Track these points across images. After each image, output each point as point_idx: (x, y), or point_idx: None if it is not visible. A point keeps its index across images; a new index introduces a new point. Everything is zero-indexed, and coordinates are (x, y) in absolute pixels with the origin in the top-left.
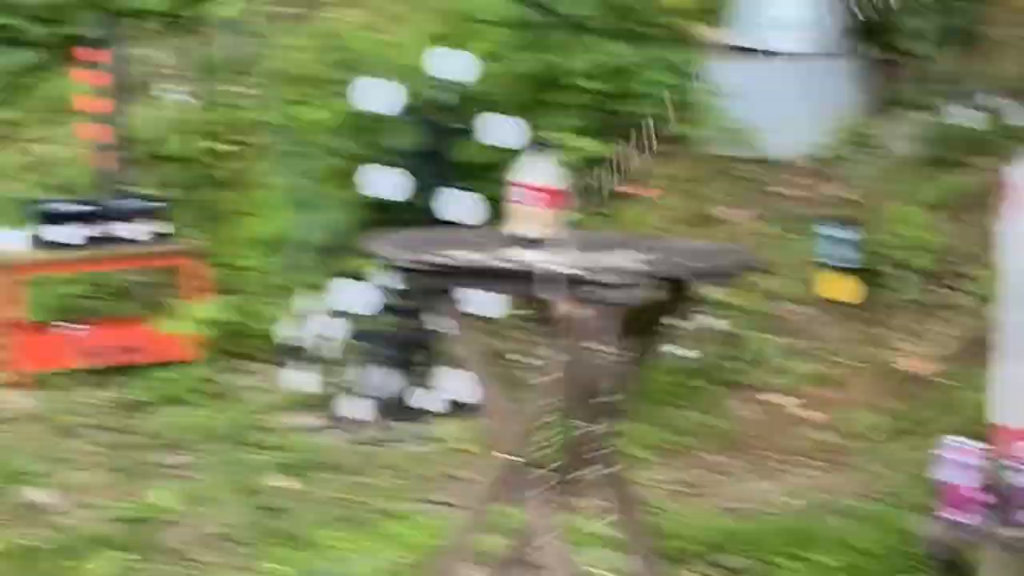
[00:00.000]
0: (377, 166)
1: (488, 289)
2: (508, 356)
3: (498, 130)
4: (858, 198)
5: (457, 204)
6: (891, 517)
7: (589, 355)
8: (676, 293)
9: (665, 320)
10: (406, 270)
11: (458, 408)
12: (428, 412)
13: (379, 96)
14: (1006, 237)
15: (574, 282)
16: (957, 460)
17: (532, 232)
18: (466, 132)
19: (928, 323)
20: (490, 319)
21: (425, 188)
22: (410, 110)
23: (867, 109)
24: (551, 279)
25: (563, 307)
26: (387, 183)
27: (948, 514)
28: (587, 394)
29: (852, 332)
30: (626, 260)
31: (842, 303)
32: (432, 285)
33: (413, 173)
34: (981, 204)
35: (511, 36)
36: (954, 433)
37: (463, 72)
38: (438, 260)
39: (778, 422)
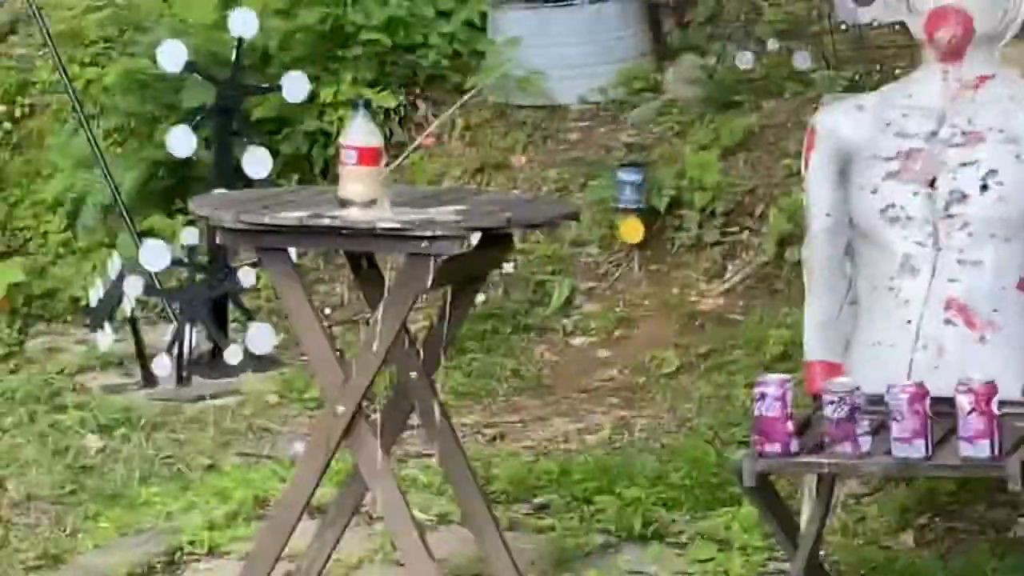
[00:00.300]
0: (167, 125)
1: (313, 247)
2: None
3: (288, 85)
4: (646, 142)
5: (250, 159)
6: (697, 450)
7: (408, 306)
8: (491, 243)
9: (480, 270)
10: (234, 230)
11: (261, 361)
12: (233, 366)
13: (167, 54)
14: (808, 179)
15: (394, 236)
16: (770, 394)
17: (358, 190)
18: (257, 88)
19: (720, 262)
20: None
21: (218, 145)
22: (198, 68)
23: (651, 53)
24: (371, 235)
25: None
26: (179, 141)
27: (762, 446)
28: (407, 344)
29: (649, 274)
30: (442, 213)
31: (640, 246)
32: (263, 244)
33: (204, 130)
34: (767, 145)
35: None
36: (749, 367)
37: (249, 28)
38: (267, 220)
39: (579, 364)
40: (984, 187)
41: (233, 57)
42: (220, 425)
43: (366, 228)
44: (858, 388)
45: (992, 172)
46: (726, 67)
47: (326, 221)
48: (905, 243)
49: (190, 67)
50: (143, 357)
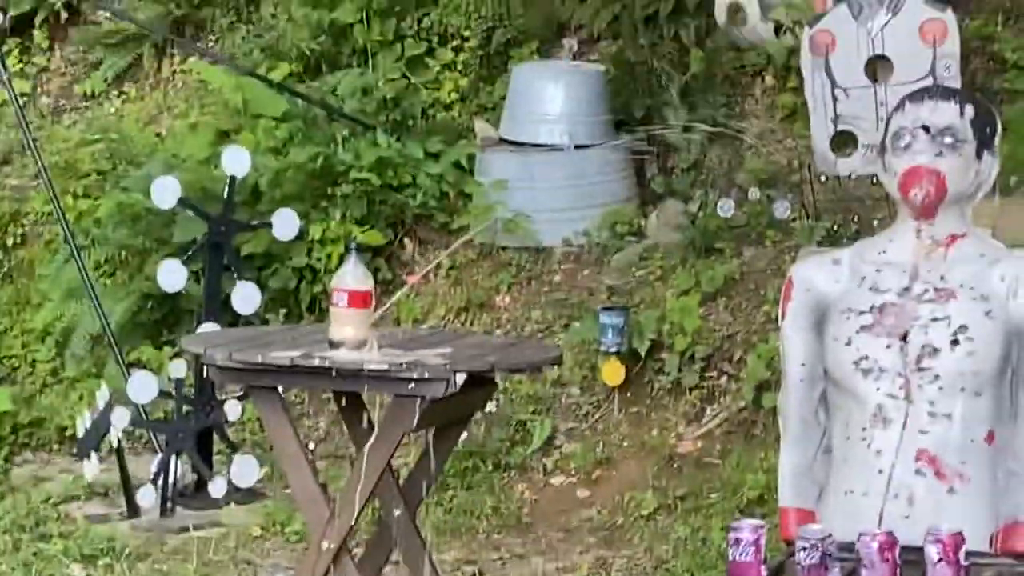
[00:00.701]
0: (157, 258)
1: (303, 386)
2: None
3: (279, 222)
4: (628, 285)
5: (238, 295)
6: None
7: (394, 445)
8: (475, 385)
9: (464, 412)
10: (226, 368)
11: (245, 493)
12: (217, 499)
13: (160, 189)
14: (784, 329)
15: (381, 377)
16: (744, 539)
17: (347, 332)
18: (247, 225)
19: (699, 406)
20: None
21: (208, 279)
22: (190, 203)
23: (634, 198)
24: (360, 376)
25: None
26: (169, 275)
27: None
28: (391, 480)
29: (628, 415)
30: (428, 356)
31: (620, 388)
32: (253, 382)
33: (195, 264)
34: (746, 291)
35: (289, 130)
36: (726, 510)
37: (241, 166)
38: (259, 359)
39: (559, 503)
40: (955, 342)
41: (225, 194)
42: (203, 557)
43: (354, 369)
44: (830, 535)
45: (963, 328)
46: (708, 214)
47: (316, 362)
48: (878, 394)
49: (183, 202)
50: (128, 487)
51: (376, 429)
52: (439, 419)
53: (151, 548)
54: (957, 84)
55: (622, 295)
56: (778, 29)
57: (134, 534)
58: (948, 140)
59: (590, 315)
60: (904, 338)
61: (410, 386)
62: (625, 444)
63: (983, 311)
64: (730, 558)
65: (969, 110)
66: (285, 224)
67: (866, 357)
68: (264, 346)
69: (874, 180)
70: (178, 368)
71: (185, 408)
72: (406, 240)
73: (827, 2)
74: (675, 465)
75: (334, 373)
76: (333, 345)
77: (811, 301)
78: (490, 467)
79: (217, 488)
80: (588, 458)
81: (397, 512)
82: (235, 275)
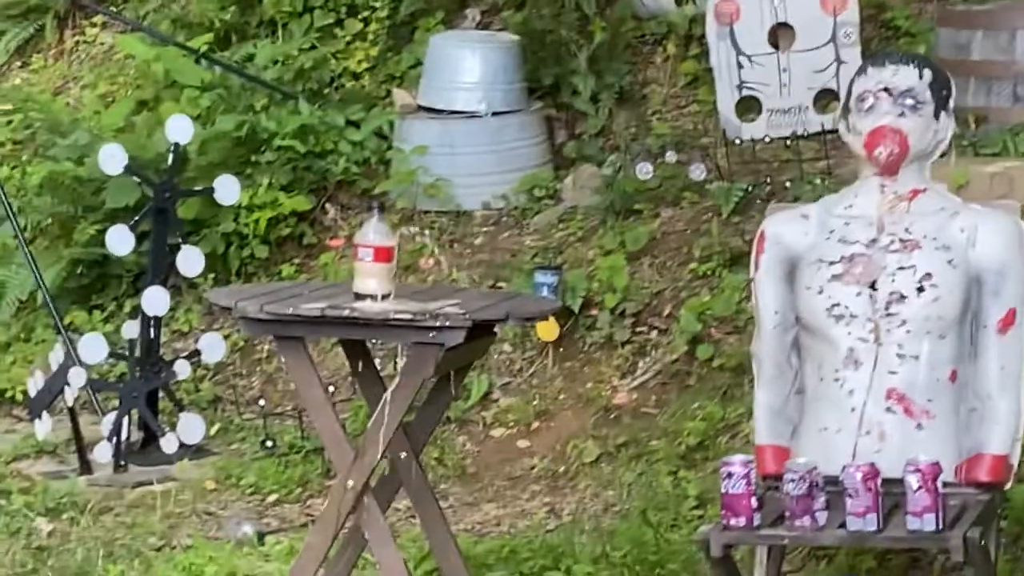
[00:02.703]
0: (86, 224)
1: (330, 336)
2: None
3: (221, 188)
4: (550, 246)
5: (183, 258)
6: (634, 531)
7: (414, 391)
8: (478, 336)
9: (467, 361)
10: (256, 320)
11: (191, 450)
12: (167, 454)
13: (108, 157)
14: (757, 280)
15: (404, 327)
16: (736, 473)
17: (372, 284)
18: (190, 191)
19: (632, 360)
20: None
21: (154, 244)
22: (136, 170)
23: (550, 162)
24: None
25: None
26: (118, 240)
27: (728, 520)
28: (403, 425)
29: (563, 370)
30: (445, 306)
31: (554, 344)
32: (282, 333)
33: (137, 229)
34: (669, 251)
35: (211, 99)
36: (669, 456)
37: (184, 133)
38: (290, 311)
39: (501, 454)
40: (920, 289)
41: (169, 161)
42: (164, 509)
43: (380, 319)
44: (816, 468)
45: (927, 275)
46: (625, 177)
47: (346, 312)
48: (849, 338)
49: (129, 169)
50: (81, 445)
51: (398, 375)
52: (451, 366)
53: (110, 502)
54: (857, 51)
55: (545, 256)
56: None
57: (91, 489)
58: (909, 102)
59: (521, 275)
60: (873, 286)
61: (431, 334)
62: (561, 397)
63: (946, 260)
64: (723, 490)
65: (927, 74)
66: (227, 190)
67: (838, 304)
68: (287, 299)
69: (784, 143)
70: (131, 329)
71: (132, 367)
72: (327, 205)
73: None
74: (612, 416)
75: (359, 322)
76: (359, 297)
77: (782, 253)
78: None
79: (169, 444)
80: (526, 411)
81: (403, 455)
82: (180, 239)
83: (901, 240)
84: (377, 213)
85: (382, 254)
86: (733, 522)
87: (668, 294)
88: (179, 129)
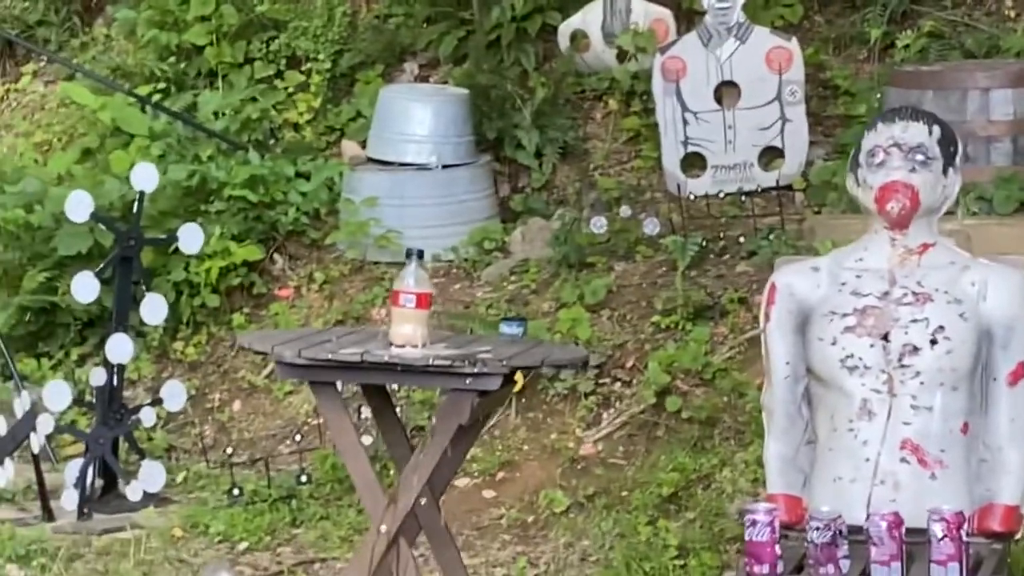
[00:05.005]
0: (35, 272)
1: (366, 381)
2: None
3: (185, 236)
4: (504, 298)
5: (147, 306)
6: None
7: (449, 438)
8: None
9: (490, 408)
10: (292, 364)
11: (154, 498)
12: (127, 502)
13: (74, 204)
14: (768, 331)
15: (441, 373)
16: (760, 520)
17: (409, 331)
18: (155, 239)
19: (596, 411)
20: None
21: (119, 291)
22: (103, 217)
23: (496, 217)
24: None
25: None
26: (83, 287)
27: (752, 567)
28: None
29: (525, 420)
30: (479, 352)
31: (517, 395)
32: (316, 378)
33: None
34: (627, 304)
35: (162, 148)
36: (645, 506)
37: (150, 181)
38: (328, 356)
39: (467, 504)
40: (933, 341)
41: (135, 208)
42: (136, 557)
43: (420, 365)
44: (840, 516)
45: (940, 328)
46: (577, 230)
47: (385, 358)
48: (863, 389)
49: (95, 216)
50: (44, 492)
51: (435, 421)
52: (483, 412)
53: (79, 549)
54: (802, 108)
55: (500, 308)
56: (622, 55)
57: (58, 537)
58: (919, 157)
59: (483, 326)
60: (886, 338)
61: (467, 381)
62: (525, 448)
63: (957, 313)
64: (747, 538)
65: (936, 130)
66: (190, 238)
67: (851, 355)
68: (320, 344)
69: (742, 198)
70: (98, 376)
71: (95, 414)
72: (276, 256)
73: (669, 32)
74: (579, 467)
75: (398, 368)
76: (397, 344)
77: (793, 305)
78: (392, 471)
79: (134, 492)
80: (490, 461)
81: (423, 501)
82: (144, 287)
83: (913, 293)
84: (416, 259)
85: (423, 300)
86: (757, 569)
87: (631, 346)
88: (144, 177)
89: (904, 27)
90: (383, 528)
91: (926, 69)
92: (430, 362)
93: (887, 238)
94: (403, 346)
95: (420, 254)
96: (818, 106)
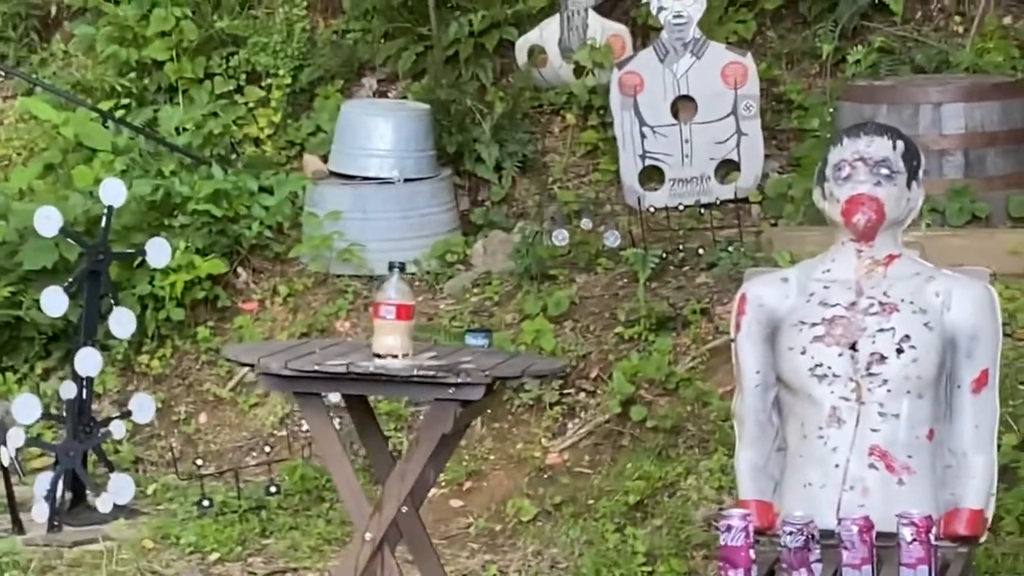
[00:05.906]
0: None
1: (351, 391)
2: None
3: (153, 251)
4: (467, 310)
5: (116, 319)
6: None
7: (433, 447)
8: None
9: (470, 418)
10: (277, 376)
11: (124, 510)
12: (96, 514)
13: (43, 219)
14: (738, 341)
15: (425, 383)
16: (735, 526)
17: (393, 342)
18: (123, 253)
19: (561, 421)
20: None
21: (87, 305)
22: (71, 232)
23: (457, 230)
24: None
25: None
26: (52, 301)
27: (727, 572)
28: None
29: (491, 431)
30: (461, 363)
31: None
32: (302, 389)
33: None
34: (590, 315)
35: (125, 163)
36: (613, 513)
37: (118, 196)
38: (314, 368)
39: (435, 513)
40: (900, 350)
41: (103, 223)
42: (108, 568)
43: (404, 376)
44: (812, 521)
45: (906, 337)
46: (538, 243)
47: (371, 368)
48: (832, 397)
49: (64, 231)
50: (14, 504)
51: (418, 431)
52: (465, 422)
53: (51, 561)
54: (757, 123)
55: (463, 319)
56: (579, 71)
57: (28, 549)
58: (884, 171)
59: (450, 337)
60: (853, 347)
61: (450, 391)
62: (492, 457)
63: (922, 323)
64: (721, 543)
65: (900, 145)
66: (158, 252)
67: (820, 364)
68: (305, 356)
69: (701, 211)
70: (68, 389)
71: (65, 427)
72: (240, 269)
73: (626, 48)
74: (546, 476)
75: (381, 379)
76: (379, 355)
77: (763, 315)
78: (362, 480)
79: (104, 504)
80: (457, 471)
81: (404, 509)
82: (112, 301)
83: (880, 303)
84: (397, 272)
85: (403, 312)
86: (731, 574)
87: (595, 357)
88: (112, 192)
89: (855, 43)
90: (368, 535)
91: (879, 84)
92: (414, 373)
93: (853, 250)
94: (386, 357)
95: (402, 267)
96: (772, 120)
